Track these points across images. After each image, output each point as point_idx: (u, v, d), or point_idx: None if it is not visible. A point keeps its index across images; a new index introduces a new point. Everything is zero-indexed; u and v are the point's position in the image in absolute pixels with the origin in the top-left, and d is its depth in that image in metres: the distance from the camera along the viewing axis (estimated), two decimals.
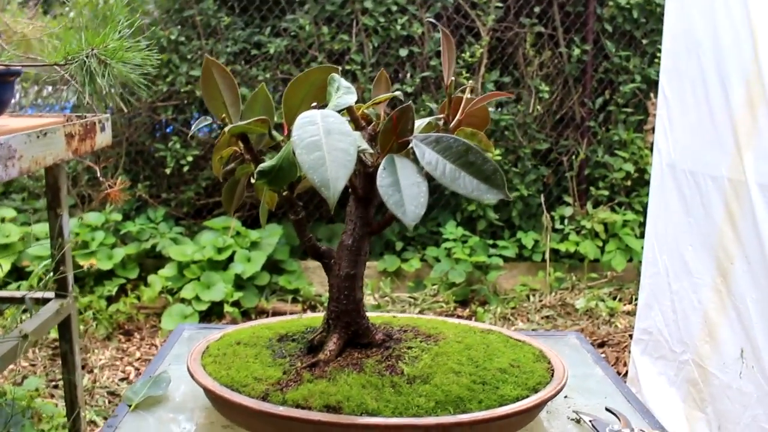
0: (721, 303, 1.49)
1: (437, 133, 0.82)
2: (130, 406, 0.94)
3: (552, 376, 0.95)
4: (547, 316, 3.22)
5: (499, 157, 3.51)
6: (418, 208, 0.75)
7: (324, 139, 0.72)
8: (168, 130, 3.71)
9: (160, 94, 3.48)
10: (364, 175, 0.90)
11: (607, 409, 0.99)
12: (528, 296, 3.38)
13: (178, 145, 3.44)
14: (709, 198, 1.54)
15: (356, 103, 0.88)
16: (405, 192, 0.76)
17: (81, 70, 1.17)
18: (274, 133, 0.91)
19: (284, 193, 0.94)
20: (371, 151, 0.86)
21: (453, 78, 0.87)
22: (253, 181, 0.87)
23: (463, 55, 3.51)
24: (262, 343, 0.99)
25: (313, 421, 0.78)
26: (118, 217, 3.35)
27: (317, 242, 0.96)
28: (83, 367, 2.50)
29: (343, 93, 0.85)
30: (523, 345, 1.05)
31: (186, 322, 2.43)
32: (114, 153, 3.58)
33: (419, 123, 0.90)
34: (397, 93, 0.92)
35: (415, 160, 0.81)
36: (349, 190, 0.91)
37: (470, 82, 0.93)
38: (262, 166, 0.83)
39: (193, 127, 0.88)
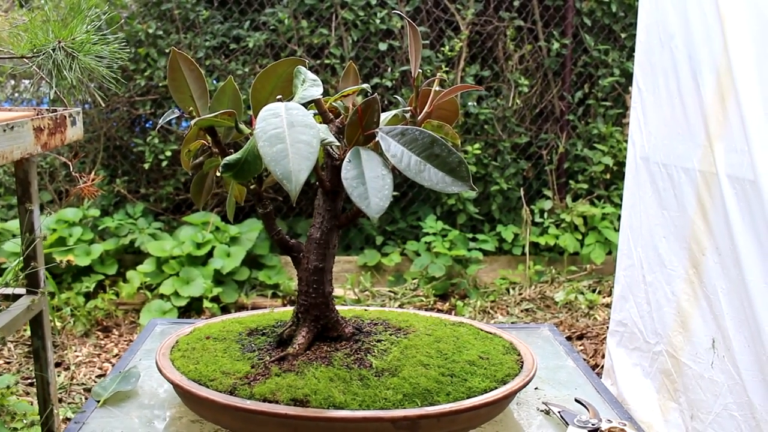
0: (694, 294, 1.51)
1: (403, 126, 0.82)
2: (98, 401, 0.93)
3: (521, 368, 0.95)
4: (527, 309, 3.24)
5: (479, 151, 3.51)
6: (382, 200, 0.75)
7: (287, 132, 0.71)
8: (147, 125, 3.68)
9: (138, 89, 3.45)
10: (331, 167, 0.90)
11: (576, 400, 0.99)
12: (508, 289, 3.40)
13: (156, 140, 3.41)
14: (681, 190, 1.55)
15: (325, 96, 0.88)
16: (369, 184, 0.76)
17: (48, 63, 1.15)
18: (241, 126, 0.91)
19: (252, 187, 0.93)
20: (338, 143, 0.86)
21: (420, 70, 0.87)
22: (219, 173, 0.87)
23: (442, 48, 3.51)
24: (231, 338, 0.98)
25: (279, 415, 0.78)
26: (96, 212, 3.32)
27: (285, 236, 0.95)
28: (59, 365, 2.48)
29: (309, 85, 0.84)
30: (493, 337, 1.05)
31: (163, 318, 2.41)
32: (92, 148, 3.54)
33: (386, 116, 0.90)
34: (365, 86, 0.92)
35: (382, 153, 0.81)
36: (316, 183, 0.91)
37: (439, 74, 0.93)
38: (227, 159, 0.82)
39: (161, 120, 0.88)
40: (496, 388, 0.88)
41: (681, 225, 1.55)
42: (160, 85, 3.40)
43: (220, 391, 0.83)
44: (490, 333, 1.07)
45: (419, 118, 0.89)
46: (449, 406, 0.82)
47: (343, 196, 0.93)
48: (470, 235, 3.54)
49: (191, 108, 0.91)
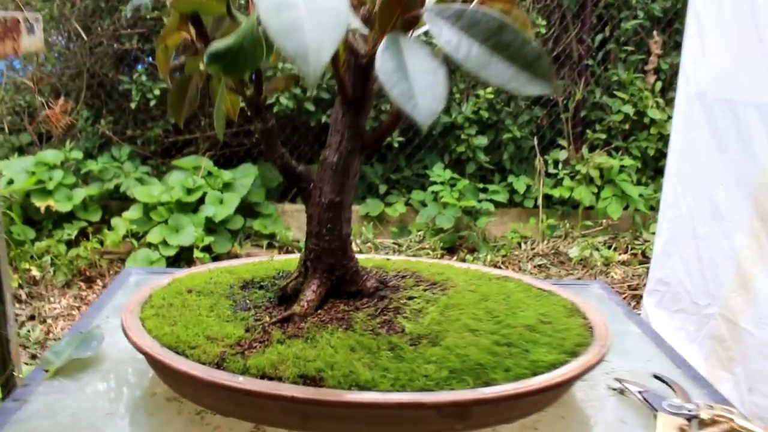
0: (759, 250, 1.30)
1: (459, 5, 0.59)
2: (46, 371, 0.72)
3: (592, 334, 0.74)
4: (540, 265, 3.04)
5: (491, 95, 3.27)
6: (435, 101, 0.52)
7: None
8: (135, 62, 3.41)
9: (125, 21, 3.17)
10: (355, 67, 0.67)
11: (655, 377, 0.79)
12: (519, 244, 3.19)
13: (144, 77, 3.16)
14: (748, 130, 1.33)
15: None
16: (415, 79, 0.53)
17: None
18: (235, 13, 0.68)
19: (248, 93, 0.70)
20: (365, 31, 0.63)
21: None
22: (202, 67, 0.64)
23: None
24: (220, 291, 0.77)
25: (283, 398, 0.57)
26: (79, 155, 3.08)
27: (291, 160, 0.73)
28: (34, 318, 2.27)
29: None
30: (549, 295, 0.84)
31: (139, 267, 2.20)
32: (74, 86, 3.28)
33: None
34: None
35: (428, 43, 0.58)
36: (336, 89, 0.69)
37: None
38: (214, 46, 0.59)
39: (128, 6, 0.63)
40: (566, 361, 0.67)
41: (745, 171, 1.34)
42: (148, 17, 3.12)
43: (204, 363, 0.62)
44: (544, 290, 0.86)
45: None
46: (512, 387, 0.61)
47: (369, 108, 0.71)
48: (480, 185, 3.32)
49: None
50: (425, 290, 0.77)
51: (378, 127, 0.70)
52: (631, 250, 3.23)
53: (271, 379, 0.59)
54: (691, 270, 1.49)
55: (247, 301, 0.74)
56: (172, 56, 0.75)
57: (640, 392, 0.74)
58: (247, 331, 0.66)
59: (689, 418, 0.68)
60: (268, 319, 0.69)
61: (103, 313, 0.88)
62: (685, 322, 1.52)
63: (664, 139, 3.48)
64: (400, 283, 0.79)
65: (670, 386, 0.76)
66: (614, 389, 0.77)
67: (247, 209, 3.03)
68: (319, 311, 0.70)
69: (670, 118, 3.50)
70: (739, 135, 1.35)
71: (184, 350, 0.64)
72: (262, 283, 0.79)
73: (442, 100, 0.53)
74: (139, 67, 3.21)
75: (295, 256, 0.87)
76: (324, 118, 3.11)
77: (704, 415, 0.68)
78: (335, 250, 0.72)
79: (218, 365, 0.61)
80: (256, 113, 0.71)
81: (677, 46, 3.58)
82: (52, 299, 2.44)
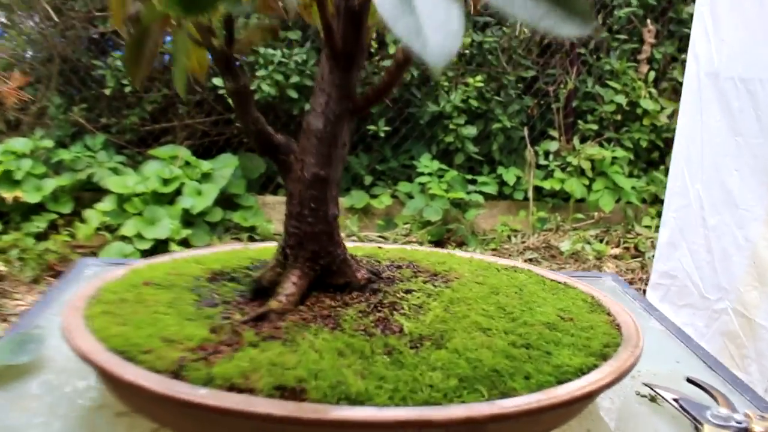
0: None
1: None
2: None
3: (620, 334, 0.64)
4: (531, 259, 2.94)
5: (481, 84, 3.16)
6: (448, 39, 0.41)
7: None
8: (109, 46, 3.26)
9: (98, 3, 3.02)
10: (345, 12, 0.56)
11: (689, 381, 0.68)
12: (509, 237, 3.10)
13: (119, 63, 3.01)
14: (767, 110, 1.23)
15: None
16: (423, 13, 0.42)
17: None
18: None
19: (217, 45, 0.59)
20: None
21: None
22: (159, 7, 0.52)
23: None
24: (183, 284, 0.65)
25: (256, 415, 0.46)
26: (50, 143, 2.93)
27: (268, 128, 0.62)
28: None
29: None
30: (565, 288, 0.74)
31: (96, 258, 2.07)
32: (45, 71, 3.13)
33: None
34: None
35: None
36: (321, 39, 0.57)
37: None
38: None
39: None
40: (595, 365, 0.56)
41: (763, 155, 1.24)
42: None
43: (159, 371, 0.50)
44: (559, 282, 0.75)
45: None
46: (536, 399, 0.50)
47: (361, 63, 0.59)
48: (469, 177, 3.21)
49: None
50: (425, 282, 0.66)
51: (374, 84, 0.58)
52: (624, 243, 3.15)
53: (240, 391, 0.48)
54: (700, 262, 1.40)
55: (215, 296, 0.62)
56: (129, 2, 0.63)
57: (675, 400, 0.63)
58: (212, 331, 0.55)
59: (740, 431, 0.58)
60: (238, 316, 0.57)
61: (48, 311, 0.76)
62: (693, 318, 1.43)
63: (657, 130, 3.40)
64: (396, 274, 0.68)
65: (708, 392, 0.66)
66: (643, 396, 0.67)
67: (226, 201, 2.91)
68: (300, 307, 0.59)
69: (663, 108, 3.42)
70: (757, 116, 1.25)
71: (134, 355, 0.52)
72: (233, 275, 0.68)
73: (458, 37, 0.42)
74: (114, 52, 3.07)
75: (274, 245, 0.75)
76: (308, 107, 2.98)
77: (759, 427, 0.57)
78: (320, 235, 0.60)
79: (176, 374, 0.50)
80: (226, 69, 0.60)
81: (671, 35, 3.50)
82: (17, 296, 2.30)
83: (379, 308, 0.59)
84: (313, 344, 0.52)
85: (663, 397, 0.64)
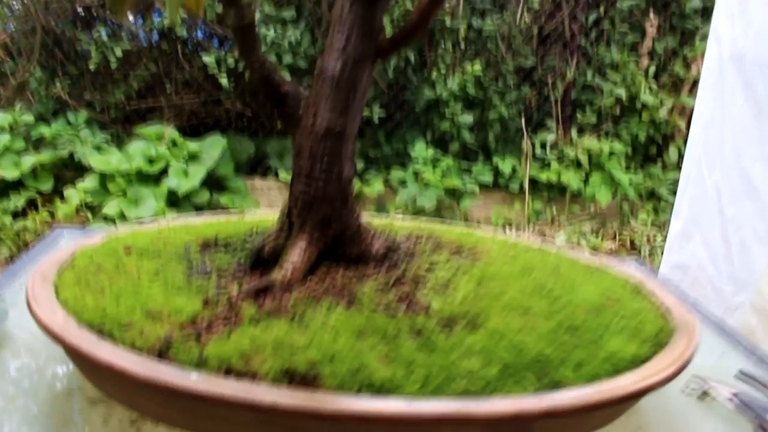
0: None
1: None
2: None
3: (671, 319, 0.56)
4: None
5: (479, 71, 3.08)
6: None
7: None
8: (97, 22, 3.14)
9: None
10: None
11: (742, 374, 0.61)
12: (504, 228, 3.02)
13: (104, 36, 2.89)
14: None
15: None
16: None
17: None
18: None
19: None
20: None
21: None
22: None
23: None
24: (171, 252, 0.56)
25: (260, 406, 0.37)
26: (30, 118, 2.81)
27: (274, 71, 0.53)
28: None
29: None
30: (600, 270, 0.66)
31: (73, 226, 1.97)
32: (26, 44, 3.00)
33: None
34: None
35: None
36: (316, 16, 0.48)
37: None
38: None
39: None
40: (652, 353, 0.48)
41: None
42: None
43: (141, 351, 0.41)
44: (592, 264, 0.67)
45: None
46: (595, 391, 0.42)
47: None
48: (464, 166, 3.13)
49: None
50: (450, 257, 0.57)
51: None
52: (620, 237, 3.09)
53: (240, 375, 0.39)
54: (716, 254, 1.33)
55: (207, 265, 0.53)
56: None
57: (733, 396, 0.55)
58: (205, 304, 0.46)
59: None
60: (236, 289, 0.49)
61: (16, 283, 0.67)
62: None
63: (656, 125, 3.34)
64: (415, 247, 0.59)
65: (766, 387, 0.58)
66: (693, 389, 0.59)
67: (213, 183, 2.80)
68: (308, 280, 0.50)
69: (663, 103, 3.36)
70: None
71: (112, 331, 0.43)
72: (228, 243, 0.59)
73: None
74: (100, 25, 2.95)
75: (273, 215, 0.66)
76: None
77: None
78: (332, 197, 0.52)
79: (161, 354, 0.41)
80: (229, 2, 0.51)
81: (673, 30, 3.43)
82: None
83: (400, 283, 0.51)
84: (326, 322, 0.44)
85: (716, 392, 0.57)
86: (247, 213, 0.70)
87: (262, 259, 0.52)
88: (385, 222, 0.70)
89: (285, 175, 2.96)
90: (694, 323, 0.55)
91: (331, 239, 0.53)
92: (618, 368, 0.46)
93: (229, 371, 0.39)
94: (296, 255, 0.50)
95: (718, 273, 1.33)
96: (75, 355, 0.44)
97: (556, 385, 0.42)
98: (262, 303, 0.46)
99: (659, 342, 0.51)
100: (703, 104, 1.40)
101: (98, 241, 0.60)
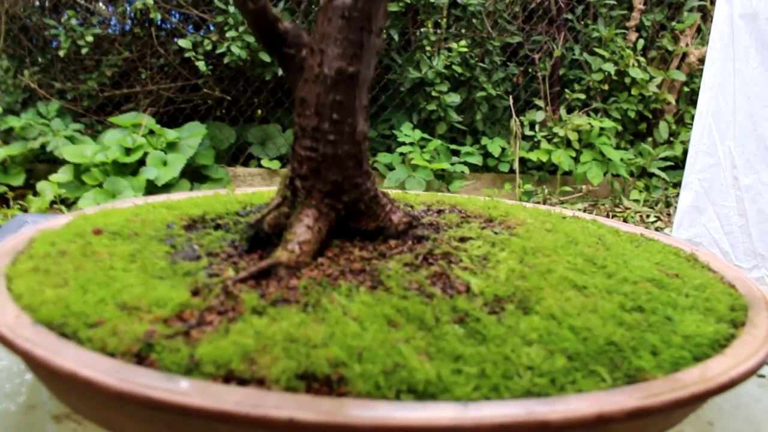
0: None
1: None
2: None
3: (740, 294, 0.48)
4: None
5: (465, 49, 2.99)
6: None
7: None
8: (66, 7, 3.00)
9: None
10: None
11: None
12: None
13: (74, 21, 2.76)
14: None
15: None
16: None
17: None
18: None
19: None
20: None
21: None
22: None
23: None
24: (150, 232, 0.47)
25: (271, 422, 0.28)
26: None
27: (273, 10, 0.43)
28: None
29: None
30: (647, 240, 0.57)
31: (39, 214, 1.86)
32: None
33: None
34: None
35: None
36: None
37: None
38: None
39: None
40: (732, 335, 0.40)
41: None
42: None
43: (114, 355, 0.32)
44: (634, 233, 0.59)
45: None
46: (690, 382, 0.34)
47: None
48: (452, 147, 3.05)
49: None
50: (482, 229, 0.49)
51: None
52: (612, 217, 3.02)
53: (243, 382, 0.30)
54: (731, 227, 1.26)
55: (195, 247, 0.44)
56: None
57: None
58: (195, 293, 0.37)
59: None
60: (231, 273, 0.40)
61: None
62: None
63: (645, 100, 3.28)
64: (439, 219, 0.51)
65: None
66: (763, 377, 0.51)
67: (194, 172, 2.70)
68: (320, 259, 0.41)
69: (652, 78, 3.30)
70: None
71: (77, 330, 0.34)
72: (219, 221, 0.50)
73: None
74: (68, 10, 2.82)
75: (268, 189, 0.57)
76: (281, 72, 2.78)
77: None
78: (344, 159, 0.43)
79: (140, 358, 0.32)
80: None
81: (660, 2, 3.37)
82: None
83: (431, 260, 0.42)
84: (348, 310, 0.35)
85: None
86: (237, 190, 0.61)
87: (262, 237, 0.43)
88: (399, 194, 0.61)
89: (268, 163, 2.86)
90: (766, 297, 0.47)
91: (344, 211, 0.44)
92: (698, 354, 0.37)
93: (229, 377, 0.30)
94: (303, 229, 0.41)
95: (734, 247, 1.26)
96: (31, 361, 0.35)
97: (633, 377, 0.34)
98: (266, 289, 0.38)
99: (735, 321, 0.42)
100: (712, 69, 1.32)
101: (64, 222, 0.50)
